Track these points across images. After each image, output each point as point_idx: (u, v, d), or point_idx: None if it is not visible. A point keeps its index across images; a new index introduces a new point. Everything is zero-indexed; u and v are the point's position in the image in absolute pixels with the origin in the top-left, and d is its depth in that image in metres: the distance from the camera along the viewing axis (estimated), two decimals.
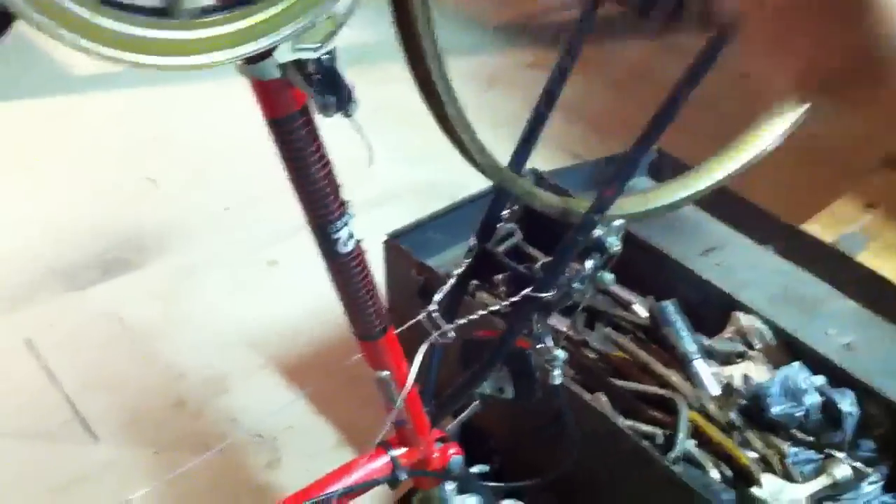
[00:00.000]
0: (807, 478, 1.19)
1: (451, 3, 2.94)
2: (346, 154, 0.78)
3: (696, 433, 1.23)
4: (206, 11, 0.51)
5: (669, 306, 1.36)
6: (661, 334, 1.35)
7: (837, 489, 1.19)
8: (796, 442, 1.21)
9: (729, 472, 1.21)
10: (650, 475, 1.16)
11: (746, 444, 1.21)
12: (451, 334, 1.02)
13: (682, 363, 1.31)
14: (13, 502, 1.49)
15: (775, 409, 1.21)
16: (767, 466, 1.21)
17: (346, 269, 0.85)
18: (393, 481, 1.13)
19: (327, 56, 0.58)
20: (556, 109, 0.97)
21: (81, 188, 2.14)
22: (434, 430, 1.19)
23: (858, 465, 1.19)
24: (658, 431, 1.23)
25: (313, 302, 1.83)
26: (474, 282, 1.19)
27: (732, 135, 1.22)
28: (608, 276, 0.99)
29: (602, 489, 1.25)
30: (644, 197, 1.21)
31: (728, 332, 1.34)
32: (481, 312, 1.03)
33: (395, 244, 1.41)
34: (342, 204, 0.80)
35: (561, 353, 1.03)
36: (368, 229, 1.40)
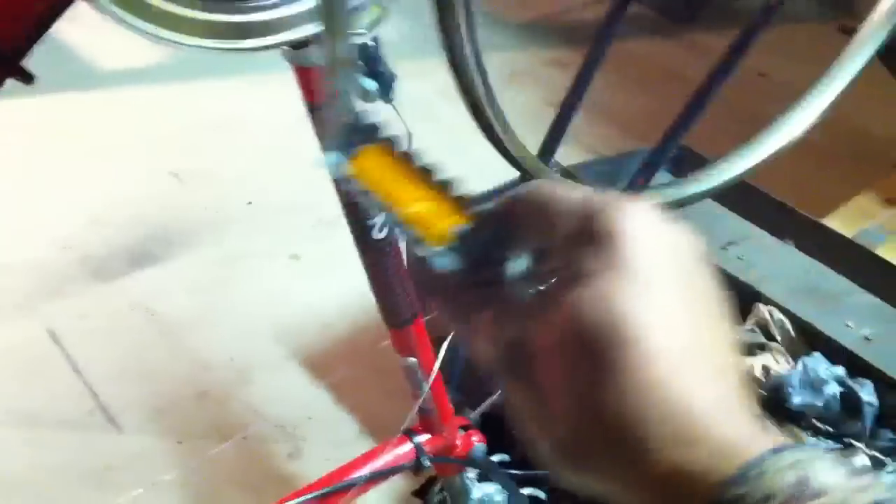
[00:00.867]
0: None
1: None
2: None
3: None
4: None
5: None
6: None
7: None
8: (816, 432, 1.22)
9: None
10: None
11: None
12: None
13: None
14: (41, 490, 1.51)
15: (796, 400, 1.22)
16: None
17: (379, 256, 0.87)
18: (417, 467, 1.15)
19: (372, 43, 0.60)
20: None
21: (108, 182, 2.17)
22: (457, 417, 1.20)
23: (877, 454, 1.20)
24: None
25: (336, 295, 1.85)
26: None
27: (751, 131, 1.24)
28: None
29: None
30: (666, 190, 1.22)
31: (749, 324, 1.35)
32: None
33: None
34: None
35: None
36: None
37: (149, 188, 2.18)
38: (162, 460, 1.57)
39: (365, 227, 0.83)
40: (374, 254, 0.87)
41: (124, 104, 2.45)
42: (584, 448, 0.38)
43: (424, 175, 0.44)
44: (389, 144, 0.45)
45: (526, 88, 2.55)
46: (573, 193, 0.42)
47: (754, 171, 1.24)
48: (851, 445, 1.22)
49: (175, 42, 0.50)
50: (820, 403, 1.22)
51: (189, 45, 0.51)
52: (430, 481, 1.41)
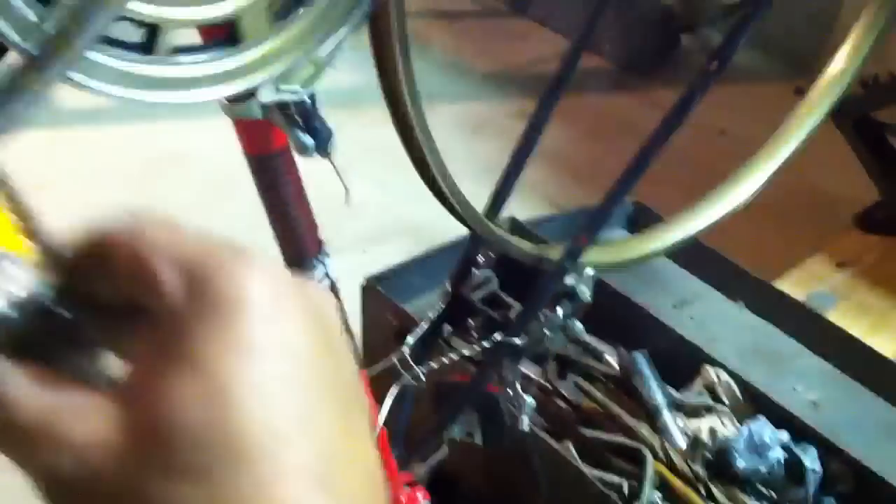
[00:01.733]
0: None
1: (438, 50, 2.98)
2: (336, 194, 0.79)
3: (662, 485, 1.24)
4: (191, 50, 0.53)
5: (640, 357, 1.37)
6: (631, 385, 1.36)
7: None
8: (760, 497, 1.22)
9: None
10: None
11: (711, 498, 1.22)
12: (422, 377, 1.03)
13: (650, 415, 1.32)
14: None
15: (741, 464, 1.22)
16: None
17: None
18: None
19: (309, 99, 0.60)
20: (539, 159, 0.99)
21: (46, 217, 2.12)
22: (402, 473, 1.19)
23: None
24: (624, 482, 1.24)
25: None
26: (448, 326, 1.21)
27: (707, 189, 1.25)
28: (578, 326, 1.01)
29: None
30: (618, 248, 1.23)
31: (697, 386, 1.35)
32: (452, 356, 1.04)
33: (373, 287, 1.42)
34: (319, 243, 0.81)
35: (530, 400, 1.04)
36: (354, 271, 1.41)
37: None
38: None
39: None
40: None
41: (68, 142, 2.43)
42: None
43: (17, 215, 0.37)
44: None
45: (490, 140, 2.56)
46: (186, 241, 0.32)
47: (707, 230, 1.25)
48: None
49: (111, 95, 0.50)
50: (764, 468, 1.22)
51: (121, 98, 0.51)
52: None
